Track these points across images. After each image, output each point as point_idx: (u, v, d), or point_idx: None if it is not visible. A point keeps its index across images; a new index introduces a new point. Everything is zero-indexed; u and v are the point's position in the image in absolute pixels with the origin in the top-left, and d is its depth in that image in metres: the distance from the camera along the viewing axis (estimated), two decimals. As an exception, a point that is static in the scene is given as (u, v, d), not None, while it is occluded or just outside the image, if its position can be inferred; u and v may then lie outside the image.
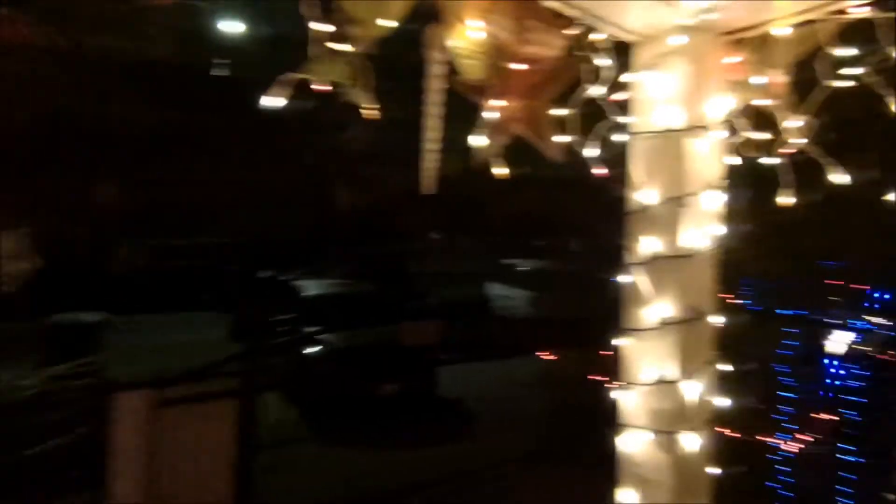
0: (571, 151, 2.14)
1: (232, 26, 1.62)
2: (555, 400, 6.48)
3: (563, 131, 2.10)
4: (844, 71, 1.87)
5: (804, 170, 1.99)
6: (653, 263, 1.92)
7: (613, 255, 2.05)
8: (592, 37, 1.98)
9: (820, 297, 4.76)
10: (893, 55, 1.79)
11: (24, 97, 6.75)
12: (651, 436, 1.92)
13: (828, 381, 4.63)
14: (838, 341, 4.51)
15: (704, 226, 1.93)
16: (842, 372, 4.53)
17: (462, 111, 1.94)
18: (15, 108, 6.70)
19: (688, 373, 1.91)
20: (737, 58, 1.94)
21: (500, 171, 2.05)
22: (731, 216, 1.99)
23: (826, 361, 4.65)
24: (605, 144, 2.14)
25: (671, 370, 1.91)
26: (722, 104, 1.94)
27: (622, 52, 2.03)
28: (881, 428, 3.97)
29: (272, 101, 1.58)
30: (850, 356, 4.46)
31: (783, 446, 4.63)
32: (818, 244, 4.46)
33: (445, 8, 1.80)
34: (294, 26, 1.61)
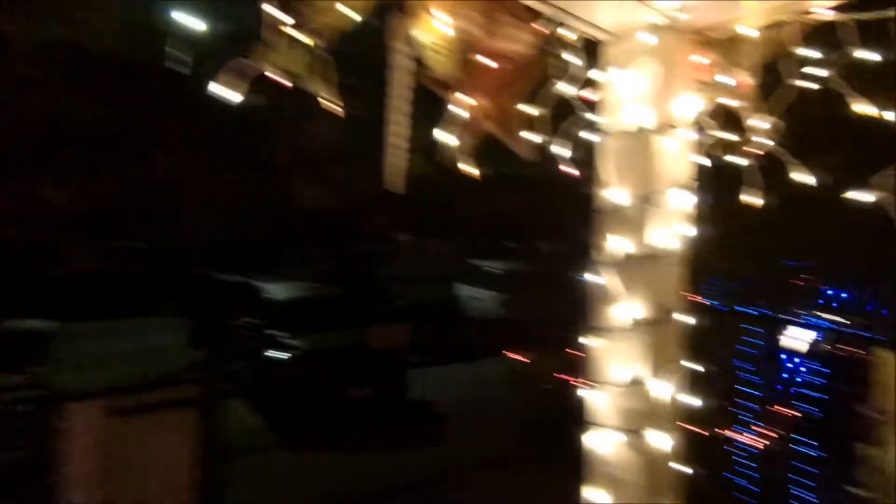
0: (542, 150, 2.12)
1: (187, 18, 1.52)
2: (525, 401, 6.50)
3: (533, 129, 2.08)
4: (810, 72, 1.89)
5: (769, 171, 2.01)
6: (622, 263, 1.91)
7: (583, 254, 2.04)
8: (562, 33, 1.96)
9: (783, 297, 4.88)
10: (855, 57, 1.83)
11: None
12: (620, 435, 1.92)
13: (788, 377, 4.75)
14: (800, 339, 4.63)
15: (673, 225, 1.94)
16: (803, 369, 4.66)
17: (433, 109, 1.90)
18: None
19: (657, 372, 1.91)
20: (706, 58, 1.94)
21: (470, 169, 2.01)
22: (699, 216, 1.99)
23: (786, 358, 4.77)
24: (576, 143, 2.12)
25: (641, 370, 1.91)
26: (691, 104, 1.95)
27: (592, 50, 2.02)
28: (841, 422, 4.09)
29: (224, 91, 1.50)
30: (812, 353, 4.59)
31: (748, 442, 4.73)
32: (782, 244, 4.57)
33: (412, -1, 1.76)
34: (258, 16, 1.55)
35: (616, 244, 1.93)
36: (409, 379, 8.43)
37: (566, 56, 2.00)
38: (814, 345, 4.58)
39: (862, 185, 1.99)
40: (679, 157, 1.94)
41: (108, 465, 3.87)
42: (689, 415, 2.02)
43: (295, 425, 7.40)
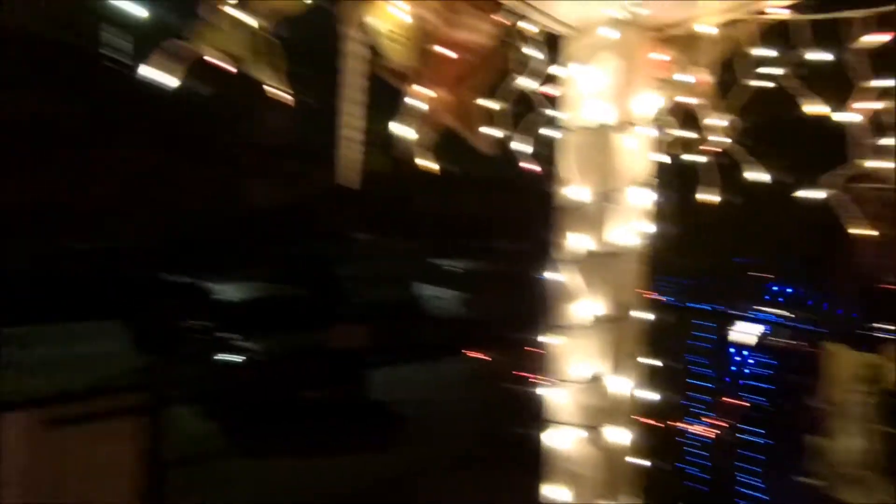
0: (502, 146, 2.10)
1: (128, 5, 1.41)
2: (486, 400, 6.52)
3: (493, 124, 2.05)
4: (766, 72, 1.92)
5: (726, 168, 2.04)
6: (582, 260, 1.91)
7: (544, 252, 2.03)
8: (523, 26, 1.94)
9: (733, 292, 5.05)
10: (808, 57, 1.87)
11: None
12: (580, 432, 1.92)
13: (737, 369, 4.92)
14: (748, 333, 4.81)
15: (633, 223, 1.94)
16: (751, 361, 4.84)
17: (392, 100, 1.84)
18: None
19: (617, 368, 1.92)
20: (665, 55, 1.95)
21: (429, 165, 1.96)
22: (659, 214, 2.01)
23: (734, 351, 4.95)
24: (537, 139, 2.11)
25: (600, 366, 1.92)
26: (651, 101, 1.95)
27: (553, 44, 2.00)
28: (787, 412, 4.27)
29: (158, 75, 1.40)
30: (759, 346, 4.77)
31: (699, 432, 4.87)
32: (734, 242, 4.72)
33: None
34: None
35: (576, 242, 1.92)
36: (367, 380, 8.33)
37: (527, 50, 1.98)
38: (761, 338, 4.75)
39: (812, 184, 2.04)
40: (639, 154, 1.95)
41: (45, 480, 3.64)
42: (647, 409, 2.04)
43: (251, 431, 7.21)
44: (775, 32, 1.87)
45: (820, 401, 3.24)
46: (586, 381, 1.91)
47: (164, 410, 4.31)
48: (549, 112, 2.07)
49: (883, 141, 1.93)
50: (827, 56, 1.84)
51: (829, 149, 1.95)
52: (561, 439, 1.96)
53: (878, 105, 1.87)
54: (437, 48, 1.82)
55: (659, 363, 2.06)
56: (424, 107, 1.86)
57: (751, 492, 4.68)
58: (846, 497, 3.10)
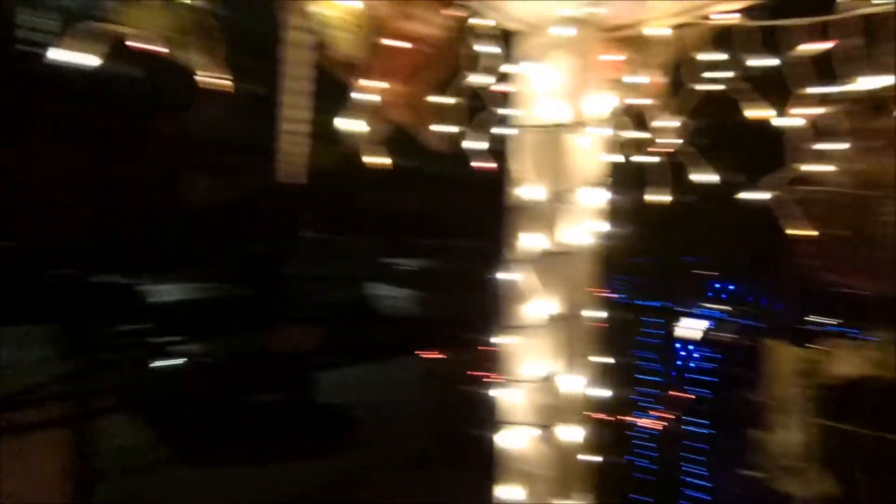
0: (454, 143, 2.06)
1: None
2: (439, 400, 6.50)
3: (445, 120, 2.01)
4: (715, 75, 1.96)
5: (676, 169, 2.07)
6: (536, 260, 1.90)
7: (498, 251, 2.01)
8: (477, 22, 1.90)
9: (679, 290, 5.20)
10: (749, 63, 1.91)
11: None
12: (533, 431, 1.92)
13: (682, 363, 5.08)
14: (693, 328, 4.96)
15: (587, 222, 1.94)
16: (696, 355, 5.01)
17: (344, 93, 1.77)
18: None
19: (570, 367, 1.92)
20: (619, 56, 1.96)
21: (377, 160, 1.91)
22: (612, 213, 2.02)
23: (680, 346, 5.10)
24: (491, 137, 2.08)
25: (554, 365, 1.91)
26: (604, 101, 1.95)
27: (507, 41, 1.97)
28: (730, 404, 4.43)
29: (72, 56, 1.29)
30: (704, 341, 4.94)
31: (647, 425, 5.01)
32: (680, 241, 4.85)
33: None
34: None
35: (530, 241, 1.91)
36: (317, 383, 8.19)
37: (480, 46, 1.95)
38: (705, 333, 4.92)
39: (754, 185, 2.09)
40: (592, 154, 1.95)
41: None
42: (599, 406, 2.05)
43: (192, 439, 6.94)
44: (723, 38, 1.91)
45: (761, 395, 3.36)
46: (540, 381, 1.91)
47: (94, 420, 4.08)
48: (502, 110, 2.05)
49: (821, 145, 2.00)
50: (772, 61, 1.88)
51: (777, 152, 2.00)
52: (514, 439, 1.95)
53: (819, 111, 1.93)
54: (389, 40, 1.76)
55: (611, 360, 2.08)
56: (375, 100, 1.80)
57: (696, 480, 4.85)
58: (786, 488, 3.23)
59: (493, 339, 2.00)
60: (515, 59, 1.97)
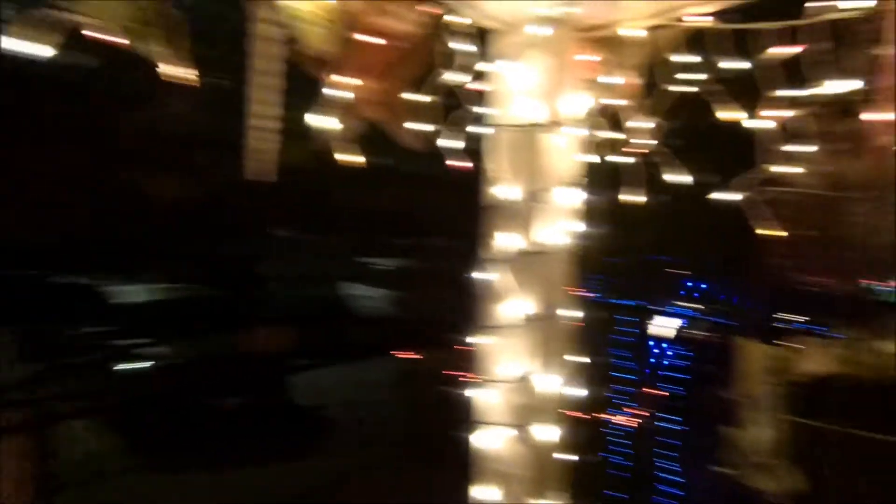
0: (429, 141, 2.05)
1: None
2: (415, 401, 6.47)
3: (420, 118, 1.99)
4: (688, 77, 1.97)
5: (651, 169, 2.09)
6: (512, 259, 1.89)
7: (474, 251, 2.00)
8: (453, 19, 1.89)
9: (653, 289, 5.27)
10: (721, 65, 1.93)
11: None
12: (509, 431, 1.91)
13: (655, 361, 5.15)
14: (666, 326, 5.03)
15: (562, 222, 1.94)
16: (669, 353, 5.08)
17: (316, 89, 1.73)
18: None
19: (547, 367, 1.92)
20: (594, 56, 1.96)
21: (350, 158, 1.88)
22: (588, 213, 2.02)
23: (653, 344, 5.17)
24: (467, 136, 2.07)
25: (530, 365, 1.91)
26: (580, 101, 1.96)
27: (483, 39, 1.96)
28: (702, 400, 4.50)
29: (23, 46, 1.23)
30: (676, 339, 5.01)
31: (622, 423, 5.06)
32: (654, 240, 4.91)
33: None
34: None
35: (506, 240, 1.91)
36: (290, 384, 8.08)
37: (456, 43, 1.93)
38: (678, 331, 4.99)
39: (726, 186, 2.12)
40: (568, 153, 1.95)
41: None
42: (574, 404, 2.06)
43: (159, 444, 6.77)
44: (696, 40, 1.92)
45: (732, 392, 3.42)
46: (516, 380, 1.91)
47: (55, 426, 3.95)
48: (477, 108, 2.04)
49: (790, 147, 2.03)
50: (743, 64, 1.91)
51: (748, 153, 2.03)
52: (490, 439, 1.94)
53: (788, 113, 1.97)
54: (362, 36, 1.73)
55: (586, 359, 2.08)
56: (347, 96, 1.77)
57: (669, 476, 4.92)
58: (756, 484, 3.29)
59: (469, 339, 2.00)
60: (491, 57, 1.96)
